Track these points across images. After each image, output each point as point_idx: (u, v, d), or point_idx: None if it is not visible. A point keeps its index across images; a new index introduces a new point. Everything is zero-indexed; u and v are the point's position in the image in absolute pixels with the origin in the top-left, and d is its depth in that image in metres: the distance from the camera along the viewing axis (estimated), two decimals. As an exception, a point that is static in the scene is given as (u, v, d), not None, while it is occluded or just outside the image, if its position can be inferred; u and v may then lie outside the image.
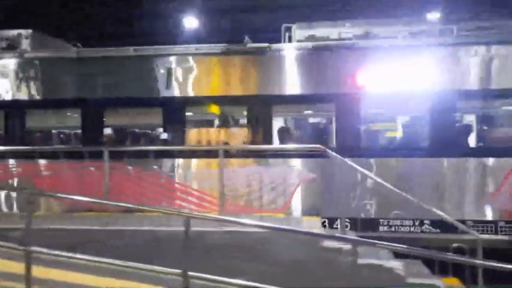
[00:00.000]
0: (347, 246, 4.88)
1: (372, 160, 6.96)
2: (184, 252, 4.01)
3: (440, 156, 6.89)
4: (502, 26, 7.30)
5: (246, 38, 7.57)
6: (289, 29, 7.93)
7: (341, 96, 7.03)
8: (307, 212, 6.89)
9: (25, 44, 8.20)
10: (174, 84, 7.49)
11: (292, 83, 7.25)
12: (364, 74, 7.08)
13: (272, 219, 6.18)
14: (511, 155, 6.78)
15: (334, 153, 5.62)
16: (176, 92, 7.49)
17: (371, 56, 7.07)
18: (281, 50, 7.35)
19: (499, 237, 6.73)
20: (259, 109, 7.29)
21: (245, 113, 7.73)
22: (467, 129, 7.55)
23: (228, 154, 6.77)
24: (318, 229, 6.18)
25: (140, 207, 5.56)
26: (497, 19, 7.69)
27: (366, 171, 6.02)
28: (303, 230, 5.42)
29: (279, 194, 6.94)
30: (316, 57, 7.24)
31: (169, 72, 7.49)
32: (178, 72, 7.50)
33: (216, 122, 8.28)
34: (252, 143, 7.24)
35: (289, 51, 7.35)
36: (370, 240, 4.34)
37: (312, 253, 5.14)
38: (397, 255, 5.43)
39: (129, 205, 5.18)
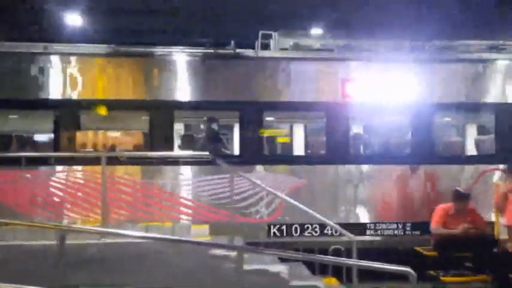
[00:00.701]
0: (233, 253, 4.93)
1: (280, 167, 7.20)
2: (58, 267, 3.70)
3: (333, 163, 7.34)
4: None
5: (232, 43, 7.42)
6: (267, 36, 7.77)
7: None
8: (198, 220, 6.83)
9: None
10: (64, 84, 7.00)
11: (193, 88, 7.18)
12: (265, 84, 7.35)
13: (159, 228, 6.02)
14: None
15: (221, 161, 5.65)
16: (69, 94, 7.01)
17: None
18: (170, 55, 7.24)
19: (374, 237, 7.32)
20: (159, 114, 7.07)
21: (144, 118, 7.49)
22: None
23: (116, 161, 6.48)
24: (206, 237, 6.16)
25: (5, 221, 5.00)
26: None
27: (254, 179, 6.14)
28: (185, 239, 5.36)
29: (168, 202, 6.81)
30: (215, 66, 7.28)
31: (47, 71, 6.97)
32: (65, 72, 7.02)
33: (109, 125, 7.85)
34: (151, 149, 6.99)
35: (181, 56, 7.27)
36: (253, 247, 4.42)
37: (199, 261, 5.10)
38: (282, 259, 5.63)
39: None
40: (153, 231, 5.80)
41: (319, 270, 5.85)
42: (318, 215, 5.91)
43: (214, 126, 7.76)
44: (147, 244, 5.08)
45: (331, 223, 6.11)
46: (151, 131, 7.10)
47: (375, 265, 4.25)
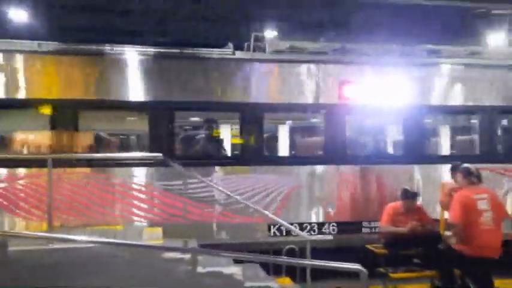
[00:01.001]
0: (187, 256, 4.87)
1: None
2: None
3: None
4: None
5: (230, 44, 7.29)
6: (259, 39, 7.73)
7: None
8: (151, 222, 6.70)
9: None
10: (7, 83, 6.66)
11: (138, 88, 7.01)
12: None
13: (110, 232, 5.85)
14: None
15: (173, 162, 5.56)
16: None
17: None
18: (123, 54, 7.06)
19: (327, 237, 7.44)
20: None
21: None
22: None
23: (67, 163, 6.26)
24: (159, 240, 6.05)
25: None
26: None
27: (207, 180, 6.10)
28: (137, 242, 5.24)
29: (120, 206, 6.63)
30: (161, 66, 7.14)
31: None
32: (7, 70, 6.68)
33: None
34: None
35: (133, 55, 7.09)
36: (207, 249, 4.39)
37: (152, 264, 5.00)
38: (237, 260, 5.62)
39: None
40: (105, 235, 5.63)
41: (274, 270, 5.88)
42: (271, 215, 5.95)
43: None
44: (98, 248, 4.91)
45: (285, 223, 6.16)
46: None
47: (327, 264, 4.33)
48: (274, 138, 8.92)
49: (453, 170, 6.69)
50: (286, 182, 7.27)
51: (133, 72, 7.00)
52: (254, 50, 7.57)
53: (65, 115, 6.72)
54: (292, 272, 6.02)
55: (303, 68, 7.53)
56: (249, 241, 6.93)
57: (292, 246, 6.24)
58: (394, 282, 6.50)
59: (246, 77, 7.33)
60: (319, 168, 7.49)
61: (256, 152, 7.22)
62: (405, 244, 6.50)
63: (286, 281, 5.97)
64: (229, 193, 6.28)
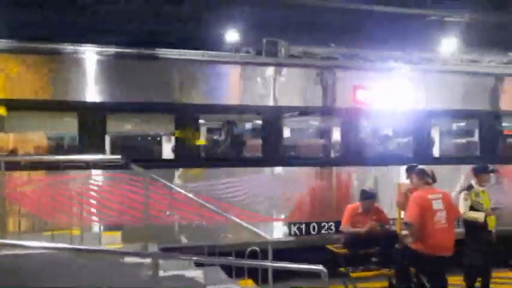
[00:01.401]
0: (148, 260, 4.78)
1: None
2: None
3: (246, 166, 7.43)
4: None
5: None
6: (273, 44, 7.83)
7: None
8: (109, 226, 6.52)
9: None
10: None
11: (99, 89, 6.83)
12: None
13: (66, 237, 5.65)
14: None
15: (134, 165, 5.44)
16: None
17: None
18: (78, 53, 6.85)
19: (289, 238, 7.51)
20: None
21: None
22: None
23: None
24: (118, 244, 5.90)
25: None
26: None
27: (168, 183, 6.01)
28: (95, 247, 5.11)
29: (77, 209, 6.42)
30: (120, 65, 6.99)
31: None
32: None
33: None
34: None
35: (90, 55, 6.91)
36: (168, 253, 4.33)
37: (111, 270, 4.87)
38: (199, 263, 5.57)
39: None
40: (60, 240, 5.44)
41: (237, 272, 5.87)
42: (233, 218, 5.94)
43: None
44: (53, 254, 4.73)
45: (247, 225, 6.15)
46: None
47: (289, 265, 4.37)
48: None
49: (409, 171, 6.92)
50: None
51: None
52: (266, 55, 7.81)
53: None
54: (256, 274, 6.04)
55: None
56: (211, 243, 6.86)
57: (255, 248, 6.25)
58: (353, 281, 6.65)
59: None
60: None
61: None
62: (364, 244, 6.67)
63: (248, 283, 5.98)
64: (190, 195, 6.19)
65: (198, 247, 6.69)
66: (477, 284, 6.57)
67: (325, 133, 8.81)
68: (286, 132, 8.47)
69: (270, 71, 7.70)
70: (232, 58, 7.79)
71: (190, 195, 6.09)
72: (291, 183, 7.59)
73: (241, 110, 7.68)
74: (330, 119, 8.45)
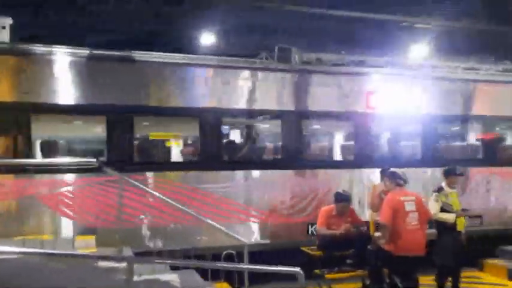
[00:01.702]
0: (123, 265, 4.73)
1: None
2: None
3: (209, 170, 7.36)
4: None
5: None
6: (284, 50, 8.02)
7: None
8: (84, 231, 6.41)
9: None
10: None
11: (58, 90, 6.66)
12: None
13: (38, 242, 5.54)
14: None
15: (109, 169, 5.39)
16: None
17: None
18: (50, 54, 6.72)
19: (264, 241, 7.53)
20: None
21: None
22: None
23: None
24: (92, 248, 5.82)
25: None
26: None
27: (146, 188, 5.98)
28: (69, 252, 5.03)
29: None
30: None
31: None
32: None
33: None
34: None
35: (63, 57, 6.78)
36: (143, 257, 4.30)
37: (85, 275, 4.80)
38: (175, 267, 5.54)
39: None
40: (31, 245, 5.33)
41: (213, 275, 5.87)
42: (209, 221, 5.94)
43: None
44: (24, 260, 4.64)
45: (222, 228, 6.16)
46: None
47: (265, 268, 4.40)
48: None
49: (382, 174, 7.07)
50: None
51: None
52: (279, 61, 7.97)
53: None
54: (232, 277, 6.06)
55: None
56: (186, 247, 6.84)
57: (231, 251, 6.26)
58: (328, 283, 6.72)
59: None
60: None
61: None
62: (339, 246, 6.75)
63: (224, 286, 5.99)
64: (165, 198, 6.16)
65: (174, 251, 6.66)
66: (448, 284, 6.75)
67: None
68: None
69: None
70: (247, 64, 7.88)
71: (166, 198, 6.07)
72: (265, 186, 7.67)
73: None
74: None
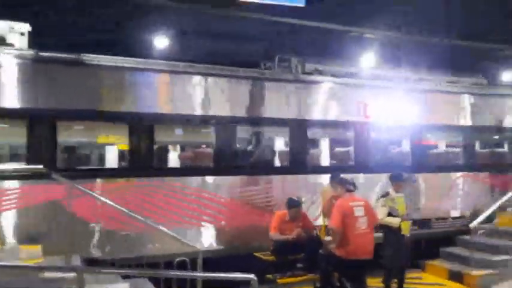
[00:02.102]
0: (71, 275, 4.59)
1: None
2: None
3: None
4: None
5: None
6: (284, 60, 8.55)
7: None
8: (28, 241, 6.13)
9: None
10: None
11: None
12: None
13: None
14: None
15: (59, 176, 5.21)
16: None
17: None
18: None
19: (218, 247, 7.53)
20: None
21: None
22: None
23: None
24: (39, 259, 5.60)
25: None
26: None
27: (95, 194, 5.82)
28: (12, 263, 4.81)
29: None
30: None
31: None
32: None
33: None
34: None
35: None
36: (92, 267, 4.20)
37: (32, 286, 4.62)
38: (126, 275, 5.43)
39: None
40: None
41: (165, 283, 5.81)
42: (161, 227, 5.88)
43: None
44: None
45: (174, 234, 6.10)
46: None
47: (219, 275, 4.42)
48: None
49: (332, 180, 7.28)
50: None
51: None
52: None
53: None
54: (185, 284, 6.01)
55: None
56: (138, 254, 6.71)
57: (183, 258, 6.22)
58: (280, 287, 6.82)
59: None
60: None
61: None
62: (291, 250, 6.88)
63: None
64: (114, 204, 6.01)
65: (125, 258, 6.52)
66: (394, 285, 7.03)
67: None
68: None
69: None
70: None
71: (115, 205, 5.93)
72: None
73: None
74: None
